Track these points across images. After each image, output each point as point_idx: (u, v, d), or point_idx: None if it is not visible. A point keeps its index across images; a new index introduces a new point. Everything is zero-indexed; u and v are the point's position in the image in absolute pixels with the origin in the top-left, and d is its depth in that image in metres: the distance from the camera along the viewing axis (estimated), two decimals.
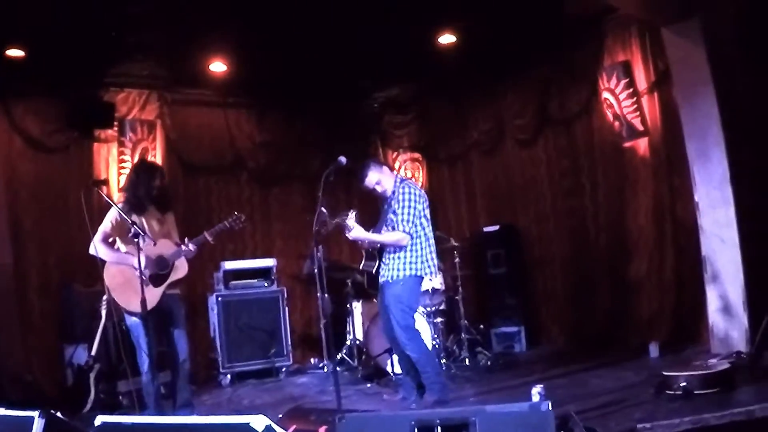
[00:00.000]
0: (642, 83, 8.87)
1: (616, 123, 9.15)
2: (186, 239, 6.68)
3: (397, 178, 7.09)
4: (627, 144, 9.15)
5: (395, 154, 12.35)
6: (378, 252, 6.99)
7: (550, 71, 10.24)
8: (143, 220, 6.60)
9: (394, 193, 6.89)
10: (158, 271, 6.59)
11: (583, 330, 9.98)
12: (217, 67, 9.67)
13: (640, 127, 8.89)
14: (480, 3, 8.49)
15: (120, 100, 9.80)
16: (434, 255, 6.99)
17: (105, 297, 7.31)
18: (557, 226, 10.51)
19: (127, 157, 9.67)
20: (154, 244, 6.49)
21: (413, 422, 3.83)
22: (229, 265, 9.96)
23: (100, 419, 4.34)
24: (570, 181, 10.24)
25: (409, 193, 6.83)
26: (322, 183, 6.18)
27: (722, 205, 7.68)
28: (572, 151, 10.18)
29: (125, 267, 6.50)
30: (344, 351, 9.63)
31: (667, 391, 5.98)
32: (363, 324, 9.40)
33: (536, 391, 5.53)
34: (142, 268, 6.10)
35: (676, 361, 7.49)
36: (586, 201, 9.98)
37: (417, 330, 6.96)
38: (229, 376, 9.51)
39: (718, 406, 5.28)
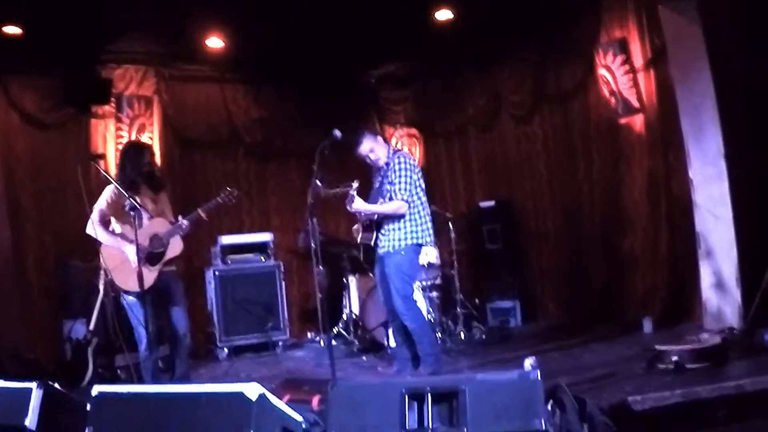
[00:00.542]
0: (638, 60, 8.87)
1: (612, 99, 9.16)
2: (180, 217, 6.71)
3: (390, 149, 7.14)
4: (623, 120, 9.16)
5: (392, 129, 12.36)
6: (375, 224, 7.02)
7: (546, 48, 10.23)
8: (137, 200, 6.62)
9: (387, 164, 6.93)
10: (153, 250, 6.61)
11: (578, 305, 10.04)
12: (214, 42, 9.66)
13: (636, 104, 8.91)
14: None
15: (117, 76, 9.78)
16: (430, 224, 7.04)
17: (102, 273, 7.33)
18: (553, 201, 10.55)
19: (125, 134, 9.68)
20: (150, 218, 6.52)
21: (404, 390, 3.89)
22: (226, 239, 9.99)
23: (97, 389, 4.39)
24: (566, 157, 10.27)
25: (405, 162, 6.88)
26: (317, 156, 6.22)
27: (716, 181, 7.70)
28: (568, 128, 10.20)
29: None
30: (340, 325, 9.69)
31: (659, 365, 6.05)
32: (359, 298, 9.47)
33: (529, 363, 5.61)
34: (138, 249, 6.13)
35: (669, 336, 7.52)
36: (581, 177, 10.01)
37: (415, 300, 7.02)
38: (226, 350, 9.56)
39: (709, 380, 5.34)
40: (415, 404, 3.90)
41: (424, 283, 8.75)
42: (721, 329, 7.21)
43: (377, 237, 6.99)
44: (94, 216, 6.57)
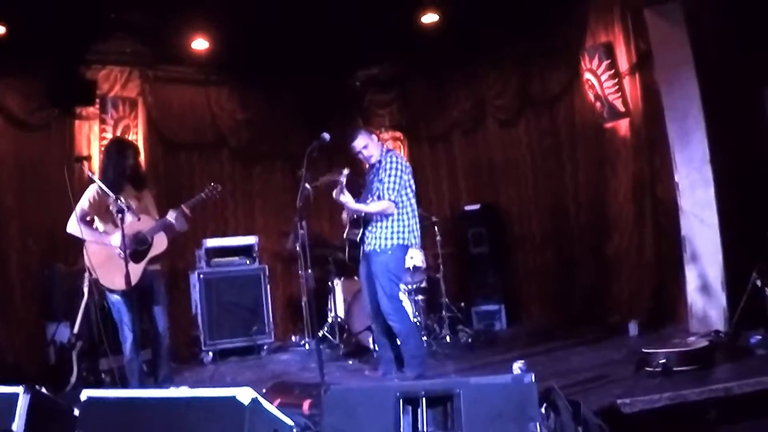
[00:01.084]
0: (624, 64, 8.89)
1: (598, 104, 9.17)
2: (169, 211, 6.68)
3: (384, 148, 7.14)
4: (608, 125, 9.18)
5: (377, 132, 12.30)
6: (363, 221, 7.01)
7: (531, 52, 10.27)
8: (122, 200, 6.57)
9: (380, 162, 6.93)
10: (137, 248, 6.56)
11: (563, 308, 10.08)
12: (199, 44, 9.63)
13: (621, 108, 8.92)
14: None
15: (101, 78, 9.73)
16: (418, 226, 7.04)
17: (86, 274, 7.27)
18: (538, 205, 10.58)
19: (109, 135, 9.57)
20: (138, 219, 6.49)
21: (398, 394, 3.88)
22: (211, 242, 9.94)
23: (85, 394, 4.37)
24: (551, 161, 10.30)
25: (396, 162, 6.88)
26: (305, 159, 6.21)
27: (702, 186, 7.73)
28: (553, 132, 10.24)
29: (105, 245, 6.50)
30: (326, 328, 9.67)
31: (647, 368, 6.04)
32: (344, 301, 9.44)
33: (517, 367, 5.59)
34: (125, 244, 6.09)
35: (655, 339, 7.55)
36: (566, 181, 10.06)
37: (401, 301, 7.01)
38: (210, 353, 9.51)
39: (697, 383, 5.35)
40: (410, 408, 3.89)
41: (409, 286, 8.75)
42: (708, 332, 7.24)
43: (363, 234, 6.97)
44: (77, 214, 6.53)
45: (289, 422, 4.26)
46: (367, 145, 6.99)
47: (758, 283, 6.80)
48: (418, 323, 8.53)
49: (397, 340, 6.93)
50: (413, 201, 7.01)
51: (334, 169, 7.20)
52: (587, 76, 9.23)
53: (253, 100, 11.19)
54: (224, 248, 10.00)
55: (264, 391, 5.56)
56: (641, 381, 5.85)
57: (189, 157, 10.81)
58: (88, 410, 4.35)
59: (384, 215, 6.83)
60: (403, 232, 6.86)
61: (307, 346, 9.69)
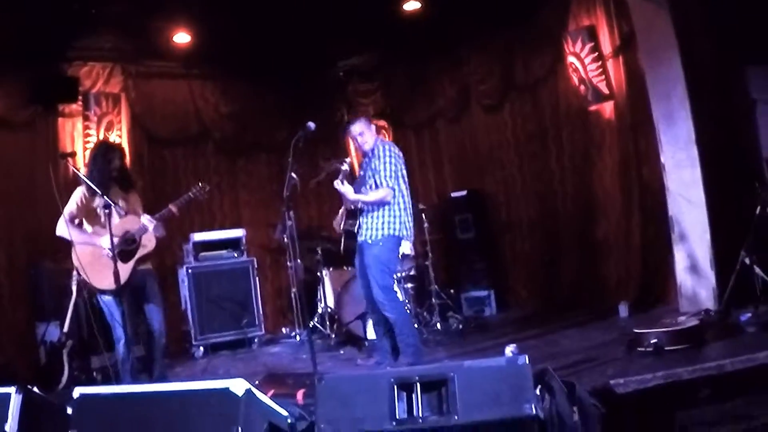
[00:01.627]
0: (607, 47, 8.90)
1: (582, 87, 9.18)
2: (148, 217, 6.65)
3: (378, 138, 7.13)
4: (592, 108, 9.20)
5: (376, 123, 12.30)
6: (358, 211, 7.00)
7: (514, 36, 10.27)
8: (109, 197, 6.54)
9: (373, 151, 6.92)
10: (125, 247, 6.54)
11: (552, 292, 10.10)
12: (181, 38, 9.58)
13: (606, 91, 8.93)
14: None
15: (84, 74, 9.68)
16: (411, 217, 7.03)
17: (74, 273, 7.24)
18: (524, 190, 10.59)
19: (93, 132, 9.57)
20: (125, 214, 6.46)
21: (393, 380, 3.88)
22: (198, 236, 9.91)
23: (78, 391, 4.34)
24: (536, 146, 10.31)
25: (390, 151, 6.88)
26: (291, 149, 6.18)
27: (688, 166, 7.76)
28: (538, 116, 10.25)
29: (94, 246, 6.47)
30: (316, 319, 9.65)
31: (638, 348, 6.08)
32: (334, 291, 9.42)
33: (509, 350, 5.61)
34: (110, 246, 6.06)
35: (646, 319, 7.56)
36: (552, 165, 10.06)
37: (395, 291, 7.01)
38: (202, 348, 9.48)
39: (690, 361, 5.38)
40: (404, 394, 3.89)
41: (399, 274, 8.74)
42: (698, 311, 7.26)
43: (359, 225, 6.97)
44: (65, 217, 6.49)
45: (284, 412, 4.25)
46: (363, 132, 6.99)
47: (747, 261, 6.83)
48: (408, 311, 8.54)
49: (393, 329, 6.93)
50: (406, 192, 7.00)
51: (332, 158, 7.20)
52: (571, 59, 9.24)
53: (236, 92, 11.16)
54: (212, 242, 9.96)
55: (257, 382, 5.55)
56: (634, 361, 5.87)
57: (173, 151, 10.80)
58: (82, 407, 4.32)
59: (379, 205, 6.83)
60: (395, 223, 6.85)
61: (298, 338, 9.68)
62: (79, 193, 6.57)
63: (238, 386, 3.91)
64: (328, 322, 9.40)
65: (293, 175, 6.23)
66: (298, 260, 6.27)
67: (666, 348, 5.92)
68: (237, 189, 11.34)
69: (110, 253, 6.01)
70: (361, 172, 7.12)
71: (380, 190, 6.78)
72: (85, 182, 6.40)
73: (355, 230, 6.98)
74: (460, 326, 9.19)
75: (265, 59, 10.66)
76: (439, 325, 9.09)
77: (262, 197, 11.23)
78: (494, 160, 10.94)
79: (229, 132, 11.11)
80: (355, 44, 11.05)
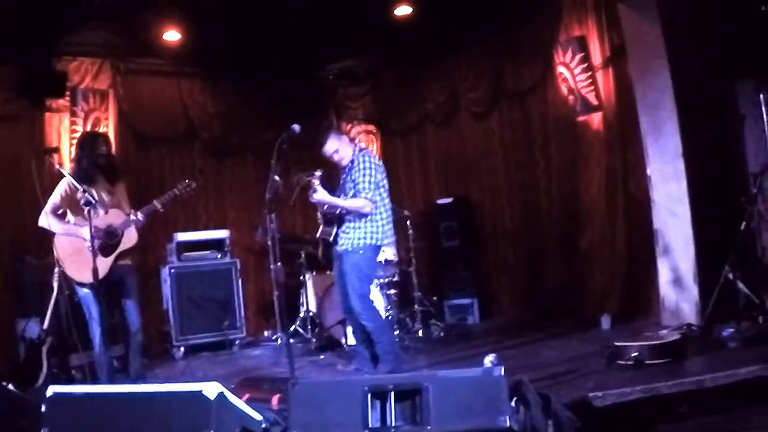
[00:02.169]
0: (597, 58, 8.88)
1: (571, 97, 9.17)
2: (133, 211, 6.64)
3: (356, 147, 7.07)
4: (581, 118, 9.18)
5: (349, 125, 12.29)
6: (336, 219, 6.95)
7: (505, 45, 10.26)
8: (93, 192, 6.50)
9: (352, 162, 6.87)
10: (108, 242, 6.52)
11: (536, 302, 10.06)
12: (171, 36, 9.51)
13: (594, 102, 8.92)
14: None
15: (72, 69, 9.61)
16: (392, 226, 7.00)
17: (56, 269, 7.20)
18: (510, 198, 10.58)
19: (79, 127, 9.48)
20: (105, 212, 6.43)
21: (366, 388, 3.85)
22: (182, 236, 9.85)
23: (51, 390, 4.32)
24: (523, 155, 10.30)
25: (369, 162, 6.82)
26: (275, 150, 6.15)
27: (674, 179, 7.76)
28: (526, 125, 10.24)
29: (75, 238, 6.44)
30: (297, 323, 9.61)
31: (619, 361, 6.05)
32: (316, 296, 9.39)
33: (489, 360, 5.58)
34: (93, 238, 6.03)
35: (628, 332, 7.55)
36: (539, 174, 10.05)
37: (372, 299, 6.96)
38: (182, 348, 9.43)
39: (669, 376, 5.34)
40: (378, 402, 3.87)
41: (381, 280, 8.71)
42: (680, 325, 7.27)
43: (337, 234, 6.92)
44: (47, 208, 6.52)
45: (258, 417, 4.22)
46: (337, 149, 6.92)
47: (730, 276, 6.83)
48: (390, 317, 8.51)
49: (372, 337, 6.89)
50: (387, 201, 6.96)
51: (306, 168, 7.15)
52: (560, 69, 9.23)
53: (224, 92, 11.09)
54: (195, 242, 9.92)
55: (233, 386, 5.51)
56: (613, 374, 5.84)
57: (160, 150, 10.74)
58: (54, 406, 4.29)
59: (359, 215, 6.78)
60: (376, 233, 6.81)
61: (279, 341, 9.63)
62: (64, 184, 6.56)
63: (211, 390, 3.88)
64: (309, 327, 9.36)
65: (276, 177, 6.20)
66: (279, 264, 6.19)
67: (647, 362, 5.89)
68: (223, 190, 11.28)
69: (91, 246, 5.99)
70: (341, 182, 7.04)
71: (359, 199, 6.72)
72: (68, 178, 6.38)
73: (330, 239, 6.94)
74: (442, 334, 9.18)
75: (255, 60, 10.62)
76: (420, 332, 9.08)
77: (247, 199, 11.15)
78: (481, 168, 10.93)
79: (216, 132, 11.04)
80: (346, 48, 11.01)
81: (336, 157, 6.95)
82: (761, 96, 7.02)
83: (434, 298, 9.91)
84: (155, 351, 9.45)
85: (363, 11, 9.19)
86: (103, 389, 4.61)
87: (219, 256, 9.96)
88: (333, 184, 7.06)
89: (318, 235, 7.13)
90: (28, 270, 8.67)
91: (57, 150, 8.84)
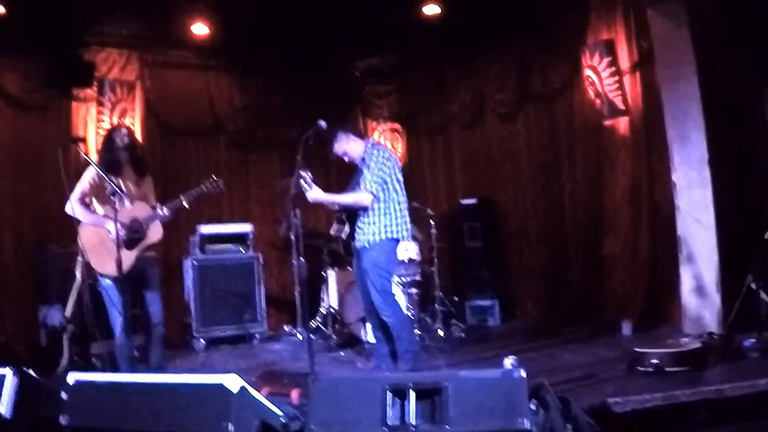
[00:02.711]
0: (625, 62, 8.85)
1: (597, 101, 9.13)
2: (158, 205, 6.66)
3: (368, 142, 7.02)
4: (607, 122, 9.14)
5: (375, 123, 12.30)
6: (348, 217, 6.94)
7: (532, 46, 10.27)
8: (120, 182, 6.53)
9: (363, 159, 6.83)
10: (132, 235, 6.53)
11: (557, 305, 10.05)
12: (200, 29, 9.57)
13: (621, 106, 8.88)
14: None
15: (100, 60, 9.67)
16: (408, 218, 6.90)
17: (79, 258, 7.24)
18: (534, 201, 10.58)
19: (106, 118, 9.56)
20: (131, 203, 6.46)
21: (387, 386, 3.86)
22: (206, 229, 9.89)
23: (73, 377, 4.35)
24: (549, 157, 10.29)
25: (376, 155, 6.74)
26: (300, 146, 6.16)
27: (700, 187, 7.71)
28: (552, 127, 10.23)
29: (100, 229, 6.47)
30: (318, 319, 9.63)
31: (639, 368, 6.02)
32: (337, 292, 9.40)
33: (509, 362, 5.56)
34: (117, 231, 6.07)
35: (648, 339, 7.52)
36: (563, 177, 10.04)
37: (394, 294, 6.93)
38: (202, 341, 9.47)
39: (689, 384, 5.31)
40: (397, 400, 3.87)
41: (403, 279, 8.72)
42: (701, 334, 7.22)
43: (353, 230, 6.90)
44: (75, 195, 6.52)
45: (277, 411, 4.24)
46: (346, 151, 6.89)
47: (753, 285, 6.75)
48: (411, 316, 8.50)
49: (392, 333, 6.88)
50: (401, 193, 6.85)
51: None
52: (588, 72, 9.19)
53: (251, 86, 11.12)
54: (219, 235, 9.96)
55: (253, 379, 5.53)
56: (633, 380, 5.82)
57: (186, 142, 10.78)
58: (75, 393, 4.33)
59: (361, 208, 6.73)
60: (391, 225, 6.74)
61: (299, 336, 9.64)
62: (92, 171, 6.56)
63: (233, 382, 3.91)
64: (330, 323, 9.38)
65: (301, 172, 6.21)
66: (302, 259, 6.21)
67: (667, 369, 5.87)
68: (248, 183, 11.31)
69: (115, 238, 6.02)
70: (356, 176, 7.03)
71: (354, 194, 6.71)
72: (95, 167, 6.40)
73: (344, 236, 6.93)
74: (462, 334, 9.17)
75: (283, 55, 10.65)
76: (441, 332, 9.05)
77: (272, 193, 11.14)
78: (506, 169, 10.92)
79: (242, 126, 11.08)
80: (374, 45, 11.02)
81: (347, 159, 6.94)
82: None
83: (455, 299, 9.88)
84: (176, 342, 9.47)
85: (391, 9, 9.20)
86: (125, 378, 4.63)
87: (242, 249, 9.99)
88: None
89: (332, 233, 7.12)
90: (51, 258, 8.73)
91: (83, 140, 8.92)
